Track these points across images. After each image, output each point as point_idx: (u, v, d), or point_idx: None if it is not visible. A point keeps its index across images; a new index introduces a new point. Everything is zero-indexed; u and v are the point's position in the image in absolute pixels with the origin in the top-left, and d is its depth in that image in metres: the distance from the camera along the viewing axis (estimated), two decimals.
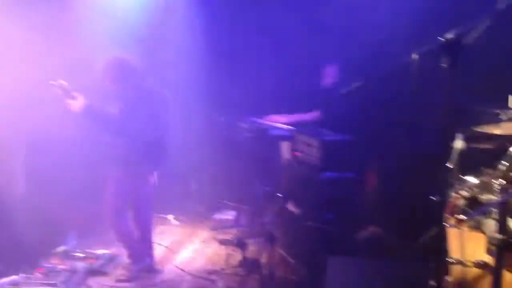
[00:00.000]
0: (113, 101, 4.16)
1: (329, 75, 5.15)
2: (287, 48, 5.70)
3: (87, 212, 4.70)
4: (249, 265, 4.35)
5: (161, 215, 5.86)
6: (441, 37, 2.02)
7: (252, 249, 4.62)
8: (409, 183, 4.43)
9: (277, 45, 5.77)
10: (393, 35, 4.42)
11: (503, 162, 2.58)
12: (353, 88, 2.24)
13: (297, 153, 4.68)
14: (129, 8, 5.49)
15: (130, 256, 4.44)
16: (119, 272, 4.44)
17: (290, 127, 4.92)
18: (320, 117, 5.07)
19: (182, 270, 4.56)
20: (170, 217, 6.00)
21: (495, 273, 2.52)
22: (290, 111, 5.32)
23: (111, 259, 4.63)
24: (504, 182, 2.52)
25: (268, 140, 5.04)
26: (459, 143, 3.08)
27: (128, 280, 4.32)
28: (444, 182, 2.63)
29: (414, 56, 2.09)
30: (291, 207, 4.63)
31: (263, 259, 4.40)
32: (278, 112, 5.34)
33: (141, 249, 4.46)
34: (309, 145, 4.52)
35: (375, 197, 4.95)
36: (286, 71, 5.71)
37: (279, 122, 5.18)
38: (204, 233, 5.63)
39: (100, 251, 4.74)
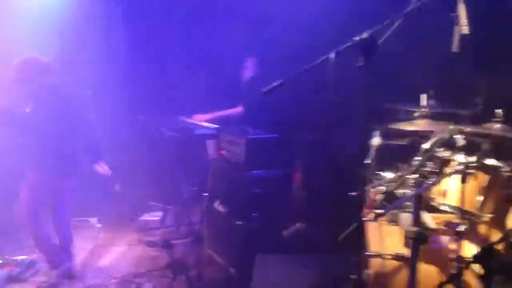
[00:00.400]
0: (25, 100, 4.04)
1: (248, 69, 5.20)
2: (209, 46, 5.68)
3: (4, 217, 4.50)
4: (176, 267, 4.31)
5: (84, 218, 5.67)
6: (356, 37, 2.07)
7: (179, 250, 4.57)
8: (332, 180, 4.54)
9: (200, 43, 5.75)
10: (315, 33, 4.51)
11: (416, 157, 2.68)
12: (275, 86, 2.25)
13: (223, 152, 4.68)
14: (50, 6, 5.31)
15: (49, 261, 4.29)
16: (40, 279, 4.28)
17: (215, 125, 4.92)
18: (244, 114, 5.10)
19: (107, 274, 4.44)
20: (93, 220, 5.82)
21: (411, 264, 2.61)
22: (214, 108, 5.32)
23: (31, 265, 4.45)
24: (418, 176, 2.62)
25: (193, 139, 5.00)
26: (376, 140, 3.19)
27: (49, 287, 4.18)
28: (362, 178, 2.71)
29: (331, 55, 2.13)
30: (218, 206, 4.62)
31: (191, 260, 4.37)
32: (202, 110, 5.32)
33: (60, 254, 4.31)
34: (235, 144, 4.53)
35: (301, 194, 5.04)
36: (209, 68, 5.70)
37: (204, 120, 5.16)
38: (129, 236, 5.51)
39: (19, 257, 4.54)
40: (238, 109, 5.24)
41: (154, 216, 5.87)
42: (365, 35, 1.98)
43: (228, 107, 5.34)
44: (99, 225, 5.77)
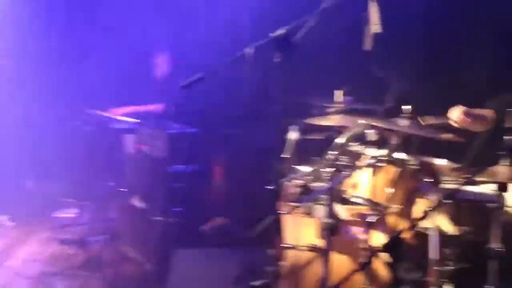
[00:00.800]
0: None
1: (163, 63, 5.16)
2: (127, 39, 5.56)
3: None
4: (92, 265, 4.19)
5: None
6: (273, 33, 2.11)
7: (94, 247, 4.45)
8: (250, 174, 4.59)
9: (117, 36, 5.61)
10: (235, 27, 4.53)
11: (330, 151, 2.78)
12: (194, 80, 2.24)
13: (142, 147, 4.60)
14: None
15: None
16: None
17: (133, 119, 4.82)
18: (164, 109, 5.04)
19: (18, 274, 4.24)
20: (3, 218, 5.53)
21: (325, 255, 2.70)
22: (133, 102, 5.21)
23: None
24: (332, 170, 2.72)
25: (110, 134, 4.88)
26: (293, 135, 3.27)
27: None
28: (279, 172, 2.77)
29: (249, 50, 2.15)
30: (136, 202, 4.54)
31: (107, 258, 4.27)
32: (121, 103, 5.21)
33: None
34: (154, 138, 4.47)
35: (220, 188, 5.06)
36: (128, 61, 5.57)
37: (122, 114, 5.05)
38: (42, 233, 5.28)
39: None
40: (158, 104, 5.17)
41: (68, 213, 5.67)
42: (281, 31, 2.02)
43: (148, 101, 5.25)
44: (10, 223, 5.50)
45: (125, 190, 4.58)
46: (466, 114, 2.98)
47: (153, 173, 4.50)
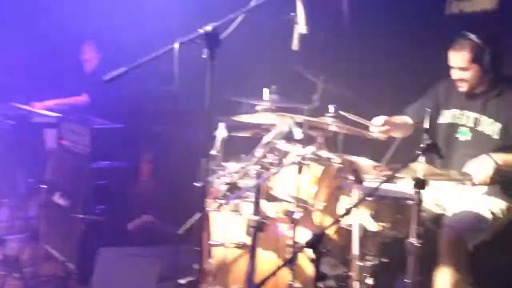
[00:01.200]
0: None
1: (88, 55, 5.02)
2: (52, 30, 5.35)
3: None
4: (9, 264, 4.00)
5: None
6: (201, 29, 2.08)
7: (13, 246, 4.25)
8: (178, 171, 4.55)
9: (41, 27, 5.38)
10: (164, 22, 4.46)
11: (258, 149, 2.80)
12: (117, 74, 2.17)
13: (64, 142, 4.44)
14: None
15: None
16: None
17: (55, 113, 4.65)
18: (88, 103, 4.90)
19: None
20: None
21: (251, 251, 2.72)
22: (56, 95, 5.03)
23: None
24: (259, 167, 2.74)
25: (29, 128, 4.68)
26: (221, 132, 3.26)
27: None
28: (207, 169, 2.75)
29: (176, 45, 2.12)
30: (57, 199, 4.38)
31: (26, 256, 4.10)
32: (43, 97, 5.01)
33: None
34: (78, 133, 4.32)
35: (148, 186, 4.98)
36: (52, 53, 5.37)
37: (44, 108, 4.85)
38: None
39: None
40: (82, 97, 5.01)
41: None
42: (208, 27, 2.01)
43: (72, 94, 5.08)
44: None
45: (46, 186, 4.40)
46: (387, 123, 3.10)
47: (76, 169, 4.35)
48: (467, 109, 3.10)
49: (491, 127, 3.00)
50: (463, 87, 3.08)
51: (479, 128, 3.04)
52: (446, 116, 3.19)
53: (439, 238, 2.83)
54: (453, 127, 3.15)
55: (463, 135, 3.10)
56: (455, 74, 3.06)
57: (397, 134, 3.24)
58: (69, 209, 4.28)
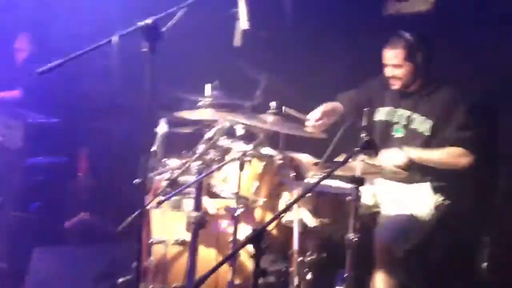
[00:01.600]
0: None
1: (22, 47, 4.83)
2: None
3: None
4: None
5: None
6: (141, 22, 2.03)
7: None
8: (117, 168, 4.46)
9: None
10: (102, 15, 4.33)
11: (199, 145, 2.77)
12: (52, 67, 2.08)
13: None
14: None
15: None
16: None
17: None
18: (21, 96, 4.71)
19: None
20: None
21: (191, 248, 2.70)
22: None
23: None
24: (200, 164, 2.72)
25: None
26: (162, 128, 3.22)
27: None
28: (147, 166, 2.71)
29: (115, 38, 2.06)
30: None
31: None
32: None
33: None
34: (11, 128, 4.17)
35: (86, 182, 4.85)
36: None
37: None
38: None
39: None
40: (15, 91, 4.81)
41: None
42: (148, 21, 1.96)
43: (4, 88, 4.86)
44: None
45: None
46: (324, 114, 3.15)
47: (9, 165, 4.19)
48: (400, 107, 3.20)
49: (423, 125, 3.11)
50: (395, 85, 3.17)
51: (412, 126, 3.14)
52: (381, 114, 3.28)
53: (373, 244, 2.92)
54: (388, 124, 3.24)
55: (398, 132, 3.20)
56: (388, 71, 3.15)
57: (330, 121, 3.27)
58: (2, 207, 4.12)
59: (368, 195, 3.18)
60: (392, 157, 2.98)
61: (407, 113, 3.17)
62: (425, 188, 3.12)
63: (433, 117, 3.08)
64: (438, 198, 3.10)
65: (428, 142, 3.09)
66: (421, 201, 3.09)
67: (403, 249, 2.95)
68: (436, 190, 3.11)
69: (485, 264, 3.06)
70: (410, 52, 3.06)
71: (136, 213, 2.43)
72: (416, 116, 3.13)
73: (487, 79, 3.31)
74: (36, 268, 3.73)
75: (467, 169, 3.02)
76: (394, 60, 3.10)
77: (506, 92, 3.05)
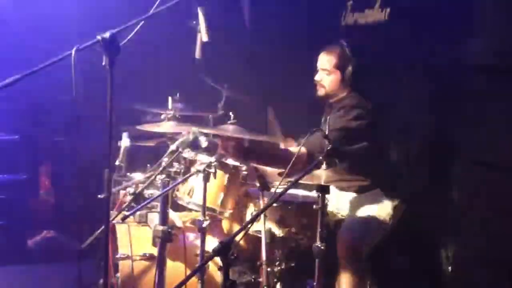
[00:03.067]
0: None
1: None
2: None
3: None
4: None
5: None
6: (99, 35, 2.01)
7: None
8: (80, 183, 4.40)
9: None
10: (60, 28, 4.27)
11: (164, 158, 2.75)
12: (8, 82, 2.03)
13: None
14: None
15: None
16: None
17: None
18: None
19: None
20: None
21: (159, 262, 2.67)
22: None
23: None
24: (165, 177, 2.69)
25: None
26: (125, 142, 3.18)
27: None
28: (111, 180, 2.67)
29: (72, 52, 2.02)
30: None
31: None
32: None
33: None
34: None
35: (48, 199, 4.76)
36: None
37: None
38: None
39: None
40: None
41: None
42: (106, 34, 1.93)
43: None
44: None
45: None
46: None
47: None
48: (326, 117, 3.19)
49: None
50: (319, 91, 3.18)
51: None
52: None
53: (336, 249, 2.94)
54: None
55: None
56: (317, 76, 3.17)
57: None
58: None
59: (332, 202, 3.20)
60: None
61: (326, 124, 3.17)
62: (381, 192, 3.15)
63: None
64: (393, 202, 3.13)
65: None
66: (379, 203, 3.12)
67: (366, 248, 2.97)
68: (387, 196, 3.13)
69: (446, 263, 3.12)
70: (342, 60, 3.08)
71: (101, 229, 2.39)
72: (325, 127, 3.12)
73: (443, 86, 3.38)
74: None
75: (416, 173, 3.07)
76: (325, 65, 3.12)
77: (462, 97, 3.11)
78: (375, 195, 3.13)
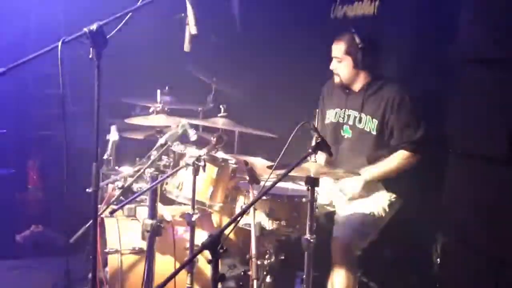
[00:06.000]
0: None
1: None
2: None
3: None
4: None
5: None
6: (86, 27, 1.99)
7: None
8: (68, 178, 4.36)
9: None
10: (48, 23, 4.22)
11: (153, 152, 2.73)
12: None
13: None
14: None
15: None
16: None
17: None
18: None
19: None
20: None
21: (148, 256, 2.66)
22: None
23: None
24: (154, 170, 2.67)
25: None
26: (113, 135, 3.16)
27: None
28: (99, 174, 2.65)
29: (58, 44, 2.00)
30: None
31: None
32: None
33: None
34: None
35: (36, 194, 4.73)
36: None
37: None
38: None
39: None
40: None
41: None
42: (93, 26, 1.91)
43: None
44: None
45: None
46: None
47: None
48: (348, 108, 3.24)
49: (369, 124, 3.16)
50: (336, 79, 3.23)
51: (359, 126, 3.19)
52: (331, 116, 3.31)
53: (330, 247, 2.96)
54: (338, 125, 3.28)
55: (347, 133, 3.24)
56: (331, 64, 3.22)
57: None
58: None
59: (323, 194, 3.21)
60: (350, 187, 3.07)
61: (354, 113, 3.21)
62: (376, 187, 3.17)
63: (378, 116, 3.13)
64: (390, 196, 3.15)
65: (376, 141, 3.14)
66: (374, 199, 3.14)
67: (361, 246, 2.99)
68: (387, 188, 3.16)
69: (438, 260, 3.13)
70: (350, 46, 3.12)
71: (89, 223, 2.38)
72: (363, 116, 3.18)
73: (431, 79, 3.39)
74: None
75: (415, 167, 3.10)
76: (336, 53, 3.18)
77: (450, 90, 3.12)
78: (374, 188, 3.15)
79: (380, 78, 3.20)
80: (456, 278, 2.84)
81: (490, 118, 2.65)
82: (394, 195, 3.16)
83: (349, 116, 3.23)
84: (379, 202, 3.13)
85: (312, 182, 2.52)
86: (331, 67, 3.22)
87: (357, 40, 3.10)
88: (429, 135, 3.06)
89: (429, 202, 3.14)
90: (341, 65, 3.18)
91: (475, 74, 2.73)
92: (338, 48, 3.16)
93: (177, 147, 2.85)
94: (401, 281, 3.24)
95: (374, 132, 3.13)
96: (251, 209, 2.74)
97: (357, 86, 3.22)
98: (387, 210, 3.12)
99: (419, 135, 3.05)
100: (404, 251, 3.26)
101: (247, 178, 2.82)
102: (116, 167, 3.21)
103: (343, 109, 3.25)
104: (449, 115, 3.03)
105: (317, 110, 3.19)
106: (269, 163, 2.94)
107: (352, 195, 3.09)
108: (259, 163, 3.12)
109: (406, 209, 3.18)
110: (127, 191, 2.78)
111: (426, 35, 3.30)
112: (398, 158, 3.09)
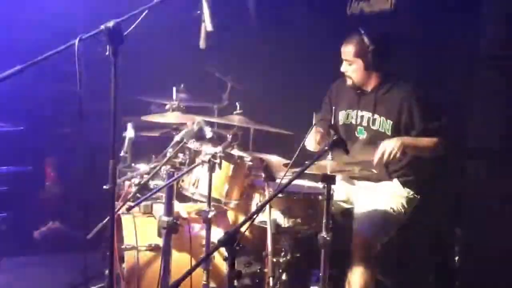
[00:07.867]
0: None
1: None
2: None
3: None
4: None
5: None
6: (104, 24, 1.99)
7: None
8: (86, 174, 4.40)
9: None
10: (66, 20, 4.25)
11: (169, 149, 2.74)
12: (11, 73, 2.02)
13: None
14: None
15: None
16: None
17: None
18: None
19: None
20: None
21: (165, 253, 2.67)
22: None
23: None
24: (170, 167, 2.68)
25: None
26: (129, 132, 3.18)
27: None
28: (116, 171, 2.66)
29: (75, 41, 2.01)
30: None
31: None
32: None
33: None
34: None
35: (54, 191, 4.77)
36: None
37: None
38: None
39: None
40: None
41: None
42: (110, 23, 1.91)
43: None
44: None
45: None
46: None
47: None
48: (360, 109, 3.19)
49: (383, 125, 3.11)
50: (348, 81, 3.18)
51: (374, 127, 3.14)
52: (343, 117, 3.27)
53: (351, 243, 2.93)
54: (351, 126, 3.23)
55: (361, 134, 3.20)
56: (342, 67, 3.17)
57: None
58: None
59: (340, 192, 3.19)
60: (388, 144, 2.91)
61: (367, 114, 3.16)
62: (394, 184, 3.14)
63: (392, 117, 3.08)
64: (408, 193, 3.12)
65: None
66: (392, 196, 3.11)
67: (383, 242, 2.96)
68: (404, 185, 3.13)
69: (457, 257, 3.10)
70: (361, 48, 3.06)
71: (106, 219, 2.39)
72: (376, 117, 3.13)
73: (448, 78, 3.36)
74: (4, 279, 3.66)
75: (434, 163, 3.06)
76: (347, 56, 3.12)
77: (471, 86, 3.09)
78: (391, 185, 3.12)
79: (392, 77, 3.15)
80: (477, 276, 2.81)
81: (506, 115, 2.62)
82: (411, 192, 3.12)
83: (362, 117, 3.18)
84: (397, 199, 3.10)
85: (329, 179, 2.50)
86: (342, 69, 3.16)
87: (367, 41, 3.04)
88: (449, 126, 3.01)
89: (448, 199, 3.11)
90: (352, 68, 3.11)
91: (497, 69, 2.69)
92: (348, 51, 3.10)
93: (193, 145, 2.85)
94: (418, 280, 3.21)
95: (389, 133, 3.09)
96: (267, 206, 2.73)
97: (369, 87, 3.18)
98: (406, 206, 3.09)
99: (442, 125, 3.00)
100: (421, 249, 3.23)
101: (263, 175, 2.81)
102: (133, 164, 3.22)
103: (355, 110, 3.20)
104: (470, 111, 3.00)
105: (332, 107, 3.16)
106: (285, 161, 2.93)
107: (389, 150, 2.87)
108: (275, 160, 3.11)
109: (424, 206, 3.15)
110: (143, 188, 2.80)
111: (445, 30, 3.26)
112: (431, 141, 3.01)
